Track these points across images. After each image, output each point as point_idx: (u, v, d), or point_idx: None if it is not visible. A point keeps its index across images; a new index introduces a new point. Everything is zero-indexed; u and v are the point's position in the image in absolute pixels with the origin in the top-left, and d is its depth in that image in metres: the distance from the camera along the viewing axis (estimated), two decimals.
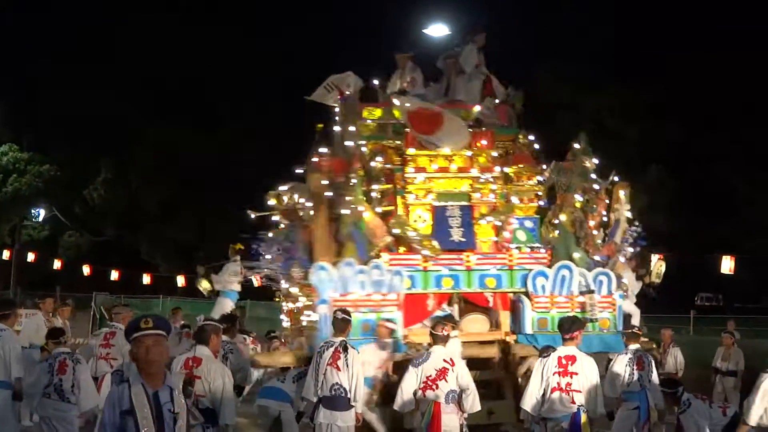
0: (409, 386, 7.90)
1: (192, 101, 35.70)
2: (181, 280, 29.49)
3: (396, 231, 11.29)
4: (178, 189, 34.94)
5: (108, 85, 36.29)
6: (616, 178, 12.41)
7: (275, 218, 12.05)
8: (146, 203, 36.05)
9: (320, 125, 11.97)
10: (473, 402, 7.91)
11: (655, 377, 9.70)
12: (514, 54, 31.44)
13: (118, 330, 9.12)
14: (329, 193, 11.28)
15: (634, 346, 9.87)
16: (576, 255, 11.38)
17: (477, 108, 12.15)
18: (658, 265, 12.56)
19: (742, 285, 28.45)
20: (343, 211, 11.11)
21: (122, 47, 37.63)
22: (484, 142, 11.75)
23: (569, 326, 7.51)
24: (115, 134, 36.08)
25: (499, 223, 11.44)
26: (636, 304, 12.26)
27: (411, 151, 11.61)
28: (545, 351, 7.75)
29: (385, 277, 10.64)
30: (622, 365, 9.67)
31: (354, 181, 11.16)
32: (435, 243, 11.15)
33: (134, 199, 36.28)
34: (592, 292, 10.84)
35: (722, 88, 30.58)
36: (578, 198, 11.92)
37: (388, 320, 9.95)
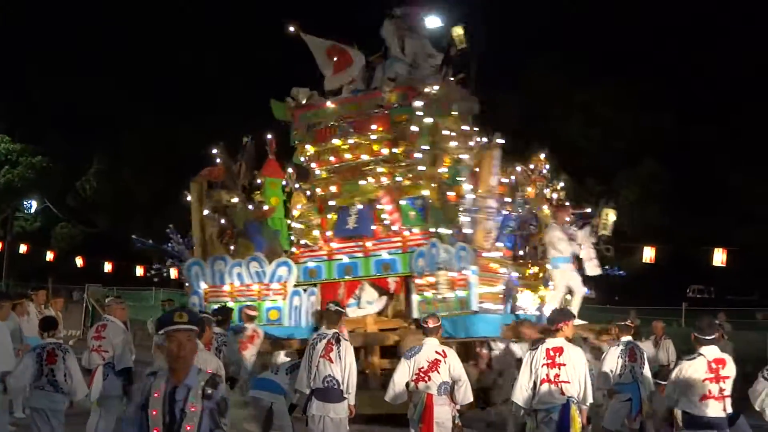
0: (401, 378, 7.90)
1: (188, 93, 35.56)
2: (174, 272, 29.40)
3: (294, 225, 12.34)
4: (170, 180, 34.82)
5: (102, 77, 36.16)
6: (500, 140, 11.93)
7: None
8: (139, 194, 35.95)
9: (245, 138, 13.27)
10: (465, 393, 7.92)
11: (647, 369, 9.74)
12: (509, 45, 31.55)
13: (109, 322, 9.11)
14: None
15: (626, 338, 9.88)
16: (441, 231, 11.22)
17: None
18: (604, 213, 12.09)
19: (734, 277, 28.54)
20: (206, 212, 12.43)
21: (118, 38, 37.55)
22: (373, 126, 11.86)
23: (554, 318, 7.51)
24: (109, 126, 35.96)
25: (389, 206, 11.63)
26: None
27: (307, 147, 12.05)
28: (534, 343, 7.74)
29: (267, 268, 11.42)
30: (614, 357, 9.69)
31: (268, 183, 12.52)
32: (316, 233, 11.91)
33: (127, 190, 36.17)
34: (440, 269, 10.71)
35: (716, 80, 30.67)
36: (443, 170, 11.79)
37: (249, 307, 10.73)
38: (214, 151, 13.04)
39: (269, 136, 13.50)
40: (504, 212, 11.50)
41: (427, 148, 11.63)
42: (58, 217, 37.97)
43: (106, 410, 8.73)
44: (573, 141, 30.36)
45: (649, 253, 23.15)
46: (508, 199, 12.10)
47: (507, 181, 12.01)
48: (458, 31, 12.51)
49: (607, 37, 32.19)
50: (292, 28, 12.59)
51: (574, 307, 11.21)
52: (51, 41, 37.20)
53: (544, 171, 12.44)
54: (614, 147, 29.94)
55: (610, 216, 11.97)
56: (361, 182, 12.18)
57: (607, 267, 13.62)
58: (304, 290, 11.90)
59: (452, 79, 12.61)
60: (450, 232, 11.11)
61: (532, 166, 12.53)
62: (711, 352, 6.86)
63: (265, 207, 12.70)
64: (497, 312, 10.86)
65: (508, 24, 31.26)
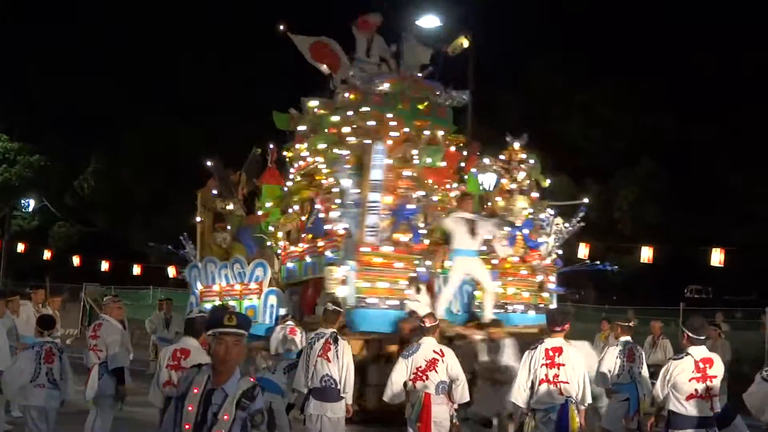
0: (398, 377, 7.89)
1: (188, 93, 35.51)
2: (171, 271, 29.43)
3: (270, 227, 12.97)
4: (169, 180, 34.82)
5: (102, 76, 36.10)
6: (395, 132, 11.69)
7: None
8: (137, 194, 35.92)
9: (259, 149, 14.03)
10: (463, 392, 7.91)
11: (645, 370, 9.75)
12: (509, 44, 31.52)
13: (105, 321, 9.14)
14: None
15: (624, 338, 9.88)
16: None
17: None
18: (513, 201, 11.83)
19: (732, 277, 28.54)
20: (198, 219, 13.43)
21: (118, 38, 37.48)
22: (326, 129, 12.09)
23: (561, 319, 7.45)
24: (108, 126, 35.92)
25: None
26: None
27: (284, 153, 12.27)
28: (533, 343, 7.73)
29: (247, 269, 12.05)
30: (612, 357, 9.69)
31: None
32: (280, 234, 12.45)
33: (126, 190, 36.14)
34: (329, 265, 10.99)
35: (716, 80, 30.63)
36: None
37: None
38: (209, 163, 13.87)
39: (271, 146, 14.05)
40: (410, 206, 11.14)
41: (324, 146, 11.67)
42: (56, 216, 37.93)
43: (101, 409, 8.74)
44: (573, 141, 30.32)
45: (647, 253, 23.17)
46: (421, 193, 11.71)
47: (410, 174, 11.56)
48: (462, 41, 12.55)
49: (607, 37, 32.19)
50: (282, 27, 12.69)
51: (486, 305, 10.85)
52: (51, 41, 37.17)
53: (530, 162, 12.09)
54: (614, 147, 29.88)
55: (519, 203, 11.70)
56: (288, 184, 12.84)
57: (597, 262, 13.52)
58: (283, 291, 12.27)
59: (420, 75, 12.49)
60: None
61: (502, 157, 12.09)
62: (699, 351, 6.86)
63: (260, 212, 13.10)
64: (389, 308, 10.64)
65: (508, 24, 31.28)
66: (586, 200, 13.29)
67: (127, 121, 35.80)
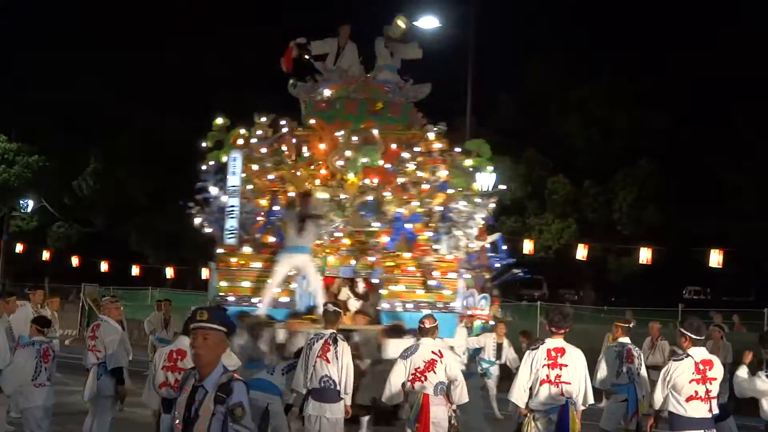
0: (397, 378, 7.90)
1: (187, 93, 35.52)
2: (169, 272, 29.45)
3: None
4: (169, 180, 34.77)
5: (101, 76, 36.12)
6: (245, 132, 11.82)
7: None
8: (135, 194, 35.89)
9: None
10: (461, 393, 7.91)
11: (644, 370, 9.75)
12: (508, 44, 31.57)
13: (103, 322, 9.16)
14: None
15: (623, 339, 9.88)
16: None
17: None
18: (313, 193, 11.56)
19: (731, 278, 28.54)
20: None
21: (117, 37, 37.55)
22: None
23: (563, 322, 7.41)
24: (106, 126, 35.92)
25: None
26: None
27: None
28: (533, 343, 7.71)
29: None
30: (611, 358, 9.69)
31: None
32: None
33: (123, 190, 36.10)
34: None
35: (716, 80, 30.65)
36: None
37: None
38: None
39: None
40: (276, 208, 10.97)
41: (225, 159, 11.58)
42: (55, 216, 37.91)
43: (100, 409, 8.75)
44: (571, 141, 30.34)
45: (645, 254, 23.18)
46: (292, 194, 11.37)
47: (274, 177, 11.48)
48: (401, 22, 12.27)
49: (607, 36, 32.27)
50: (306, 57, 12.61)
51: (317, 300, 10.47)
52: (50, 41, 37.24)
53: (456, 150, 11.38)
54: (613, 147, 29.87)
55: (319, 194, 11.28)
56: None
57: (510, 257, 12.60)
58: None
59: (368, 74, 12.26)
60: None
61: (418, 149, 11.19)
62: (699, 353, 6.87)
63: None
64: (242, 305, 10.60)
65: (507, 23, 31.31)
66: (503, 187, 12.89)
67: (126, 121, 35.77)
